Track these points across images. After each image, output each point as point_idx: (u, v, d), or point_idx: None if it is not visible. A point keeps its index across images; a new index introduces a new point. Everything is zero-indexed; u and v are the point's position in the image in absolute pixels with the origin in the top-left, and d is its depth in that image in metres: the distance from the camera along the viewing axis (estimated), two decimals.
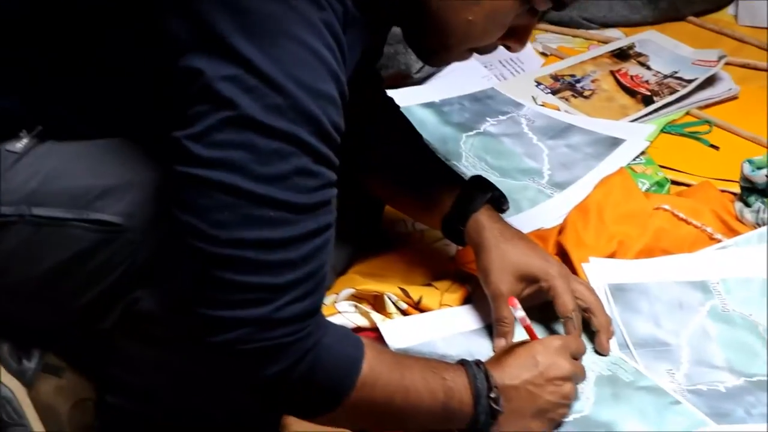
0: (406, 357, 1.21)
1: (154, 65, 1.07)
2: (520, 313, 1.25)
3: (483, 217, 1.39)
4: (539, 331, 1.37)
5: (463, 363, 1.20)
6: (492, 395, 1.18)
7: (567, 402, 1.24)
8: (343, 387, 1.10)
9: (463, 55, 1.26)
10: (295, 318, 1.04)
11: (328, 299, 1.45)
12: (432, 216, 1.44)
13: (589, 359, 1.34)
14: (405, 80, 2.00)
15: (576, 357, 1.28)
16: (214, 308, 1.03)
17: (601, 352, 1.36)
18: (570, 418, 1.25)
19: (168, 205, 1.05)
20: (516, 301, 1.26)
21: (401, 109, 1.65)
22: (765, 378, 1.33)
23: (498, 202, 1.43)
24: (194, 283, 1.04)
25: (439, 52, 1.25)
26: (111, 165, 1.15)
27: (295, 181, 1.02)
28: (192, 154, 1.00)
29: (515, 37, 1.24)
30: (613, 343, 1.37)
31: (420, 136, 1.51)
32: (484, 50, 1.26)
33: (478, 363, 1.20)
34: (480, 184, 1.43)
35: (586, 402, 1.28)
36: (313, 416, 1.15)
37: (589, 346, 1.36)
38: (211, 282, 1.02)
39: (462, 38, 1.21)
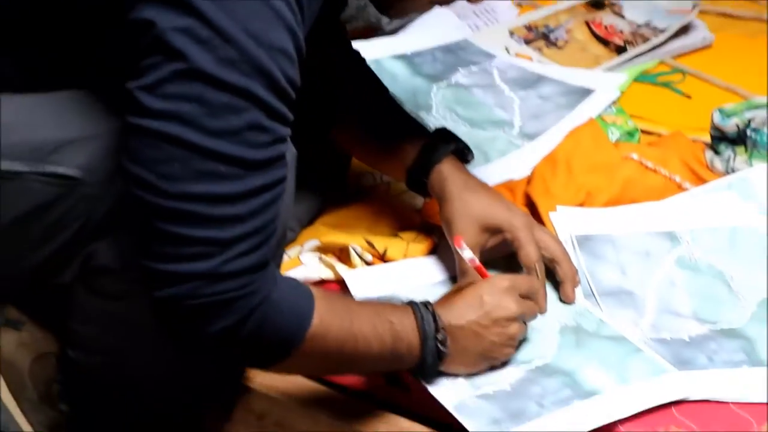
0: (356, 304, 1.21)
1: (113, 17, 1.06)
2: (467, 253, 1.25)
3: (446, 168, 1.38)
4: None
5: (411, 305, 1.20)
6: (439, 337, 1.18)
7: (512, 343, 1.24)
8: (293, 340, 1.10)
9: (424, 7, 1.25)
10: (242, 272, 1.03)
11: (293, 251, 1.45)
12: (396, 168, 1.43)
13: (555, 309, 1.34)
14: (376, 32, 1.98)
15: (528, 297, 1.27)
16: (161, 262, 1.02)
17: (566, 301, 1.36)
18: (532, 366, 1.25)
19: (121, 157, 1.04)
20: (461, 241, 1.26)
21: (372, 62, 1.64)
22: (729, 326, 1.33)
23: (462, 153, 1.42)
24: (142, 235, 1.03)
25: (397, 2, 1.23)
26: (69, 117, 1.14)
27: (246, 136, 1.01)
28: (143, 105, 0.99)
29: None
30: (579, 293, 1.37)
31: (385, 88, 1.50)
32: (445, 1, 1.24)
33: (426, 304, 1.20)
34: (444, 135, 1.42)
35: (549, 350, 1.28)
36: (262, 367, 1.15)
37: (554, 296, 1.36)
38: (157, 235, 1.02)
39: None
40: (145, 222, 1.02)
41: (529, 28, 2.06)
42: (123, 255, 1.13)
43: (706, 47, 2.01)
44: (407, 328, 1.18)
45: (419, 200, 1.53)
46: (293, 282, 1.14)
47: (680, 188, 1.57)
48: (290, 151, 1.10)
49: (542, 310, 1.32)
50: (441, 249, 1.44)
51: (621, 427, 1.19)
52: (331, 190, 1.56)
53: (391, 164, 1.45)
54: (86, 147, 1.12)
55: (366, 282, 1.38)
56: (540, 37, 2.03)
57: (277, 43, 1.01)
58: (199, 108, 0.99)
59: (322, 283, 1.40)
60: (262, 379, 1.30)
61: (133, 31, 1.00)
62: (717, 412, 1.21)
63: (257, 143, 1.02)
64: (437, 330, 1.19)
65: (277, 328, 1.09)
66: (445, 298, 1.24)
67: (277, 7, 1.01)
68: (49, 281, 1.19)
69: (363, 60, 1.52)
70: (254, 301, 1.05)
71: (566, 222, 1.47)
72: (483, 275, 1.29)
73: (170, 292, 1.03)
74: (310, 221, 1.52)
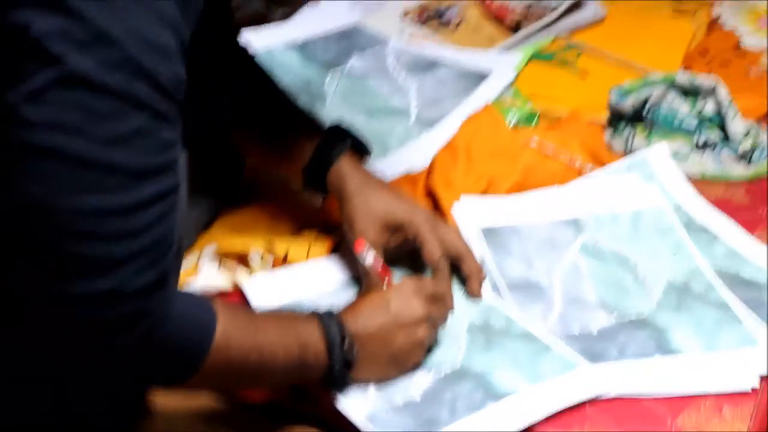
0: (260, 315, 1.18)
1: None
2: (369, 259, 1.25)
3: (344, 166, 1.35)
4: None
5: (316, 314, 1.17)
6: (345, 344, 1.16)
7: (421, 347, 1.22)
8: (195, 356, 1.06)
9: None
10: (140, 290, 0.98)
11: (191, 258, 1.40)
12: (292, 168, 1.40)
13: (462, 307, 1.32)
14: (265, 20, 1.93)
15: (435, 299, 1.24)
16: (51, 283, 0.97)
17: (472, 297, 1.33)
18: (441, 373, 1.22)
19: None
20: (364, 244, 1.23)
21: (263, 52, 1.59)
22: (637, 315, 1.31)
23: (359, 147, 1.39)
24: (29, 256, 0.98)
25: None
26: None
27: (135, 143, 0.96)
28: (21, 116, 0.93)
29: None
30: (486, 288, 1.35)
31: (275, 85, 1.46)
32: None
33: (330, 313, 1.17)
34: (340, 131, 1.39)
35: (458, 351, 1.26)
36: (165, 385, 1.11)
37: (460, 293, 1.33)
38: (46, 255, 0.96)
39: None
40: (31, 241, 0.97)
41: (421, 9, 2.02)
42: (4, 276, 1.08)
43: (599, 22, 1.99)
44: (314, 337, 1.15)
45: (319, 197, 1.48)
46: (193, 296, 1.10)
47: (581, 172, 1.55)
48: (180, 155, 1.06)
49: (449, 308, 1.29)
50: (343, 248, 1.40)
51: (536, 429, 1.17)
52: (228, 191, 1.50)
53: (287, 164, 1.41)
54: None
55: (267, 290, 1.34)
56: (433, 18, 1.99)
57: (160, 42, 0.96)
58: (81, 116, 0.93)
59: (221, 295, 1.35)
60: (162, 399, 1.25)
61: (7, 37, 0.94)
62: (631, 407, 1.19)
63: (146, 149, 0.97)
64: (343, 337, 1.16)
65: (179, 345, 1.05)
66: (351, 306, 1.21)
67: (159, 6, 0.96)
68: None
69: (251, 57, 1.47)
70: (153, 319, 1.01)
71: (470, 214, 1.44)
72: (387, 279, 1.26)
73: (62, 315, 0.98)
74: (206, 225, 1.46)
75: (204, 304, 1.10)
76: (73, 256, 0.96)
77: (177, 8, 0.98)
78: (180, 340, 1.05)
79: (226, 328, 1.08)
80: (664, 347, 1.26)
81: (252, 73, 1.46)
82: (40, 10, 0.92)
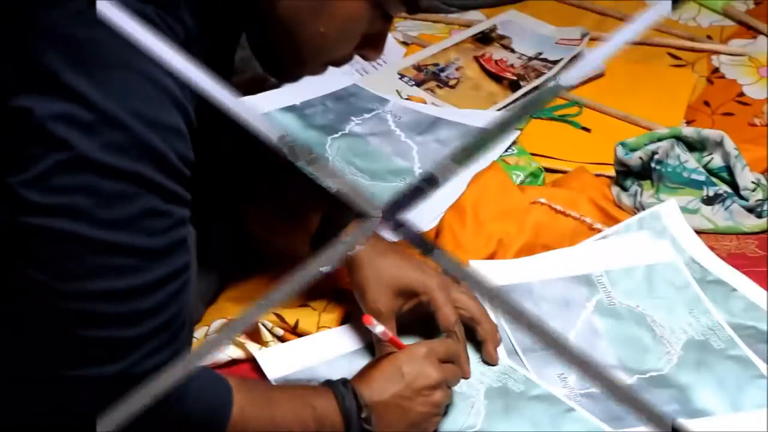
0: (275, 389, 1.16)
1: None
2: (378, 329, 1.22)
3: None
4: None
5: (330, 385, 1.14)
6: (363, 415, 1.14)
7: (438, 411, 1.20)
8: None
9: (318, 70, 1.19)
10: (154, 371, 0.96)
11: (199, 332, 1.37)
12: (299, 237, 1.37)
13: (478, 371, 1.29)
14: (262, 84, 1.91)
15: (449, 360, 1.22)
16: (64, 368, 0.95)
17: (489, 361, 1.30)
18: None
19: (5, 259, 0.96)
20: (371, 318, 1.22)
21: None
22: (657, 374, 1.29)
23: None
24: (40, 342, 0.96)
25: (291, 67, 1.18)
26: None
27: (144, 224, 0.94)
28: (28, 201, 0.91)
29: (370, 45, 1.18)
30: (502, 351, 1.32)
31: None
32: (340, 62, 1.19)
33: (344, 383, 1.15)
34: None
35: (477, 417, 1.23)
36: None
37: (476, 357, 1.31)
38: (58, 340, 0.94)
39: (315, 52, 1.14)
40: (42, 326, 0.95)
41: (418, 68, 2.01)
42: (10, 367, 1.04)
43: (598, 76, 1.98)
44: (329, 410, 1.13)
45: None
46: (209, 374, 1.08)
47: (592, 229, 1.53)
48: (189, 232, 1.04)
49: (466, 375, 1.27)
50: (354, 316, 1.37)
51: None
52: (234, 261, 1.48)
53: (294, 235, 1.38)
54: None
55: (280, 360, 1.31)
56: (431, 77, 1.98)
57: (166, 121, 0.95)
58: (90, 199, 0.92)
59: (233, 363, 1.33)
60: None
61: (10, 122, 0.92)
62: None
63: (156, 230, 0.95)
64: (360, 409, 1.14)
65: (196, 423, 1.04)
66: (364, 373, 1.19)
67: (163, 81, 0.95)
68: None
69: None
70: (169, 400, 0.98)
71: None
72: (399, 346, 1.23)
73: (78, 399, 0.96)
74: (214, 296, 1.44)
75: (219, 380, 1.08)
76: (83, 340, 0.94)
77: (182, 88, 0.96)
78: (197, 417, 1.03)
79: (243, 407, 1.07)
80: (688, 408, 1.24)
81: (255, 142, 1.43)
82: (43, 93, 0.91)
